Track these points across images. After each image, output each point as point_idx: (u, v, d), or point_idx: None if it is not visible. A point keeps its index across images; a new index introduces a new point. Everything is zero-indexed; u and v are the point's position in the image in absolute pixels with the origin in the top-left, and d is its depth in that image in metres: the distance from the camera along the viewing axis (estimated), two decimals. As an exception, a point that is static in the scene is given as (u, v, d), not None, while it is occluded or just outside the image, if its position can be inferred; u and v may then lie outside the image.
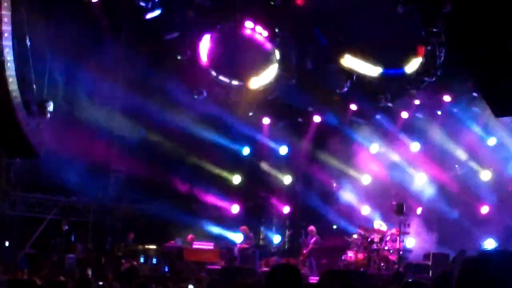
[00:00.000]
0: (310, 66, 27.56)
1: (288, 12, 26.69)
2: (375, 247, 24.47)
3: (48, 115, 23.46)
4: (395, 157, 28.36)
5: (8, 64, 20.42)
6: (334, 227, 28.72)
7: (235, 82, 28.03)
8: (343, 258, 25.00)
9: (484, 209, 27.10)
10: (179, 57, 27.14)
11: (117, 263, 24.56)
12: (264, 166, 30.28)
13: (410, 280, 9.30)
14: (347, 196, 28.67)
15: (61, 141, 24.83)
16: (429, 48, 25.38)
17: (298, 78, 28.05)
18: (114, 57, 26.81)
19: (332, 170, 29.23)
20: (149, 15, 25.16)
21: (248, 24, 27.16)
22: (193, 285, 19.53)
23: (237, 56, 27.51)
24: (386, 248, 24.43)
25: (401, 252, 23.96)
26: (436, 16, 24.29)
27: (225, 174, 29.79)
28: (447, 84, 26.63)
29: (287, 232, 30.82)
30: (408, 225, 24.38)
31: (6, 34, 20.28)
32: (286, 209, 30.45)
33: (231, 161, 29.96)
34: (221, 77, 27.85)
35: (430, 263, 24.08)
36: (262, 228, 31.21)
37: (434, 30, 24.74)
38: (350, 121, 29.07)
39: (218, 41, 27.50)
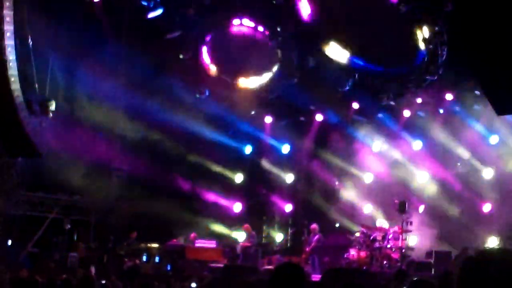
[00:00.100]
0: (311, 65, 27.57)
1: (290, 11, 26.68)
2: (377, 245, 24.48)
3: (50, 114, 23.47)
4: (397, 155, 28.36)
5: (10, 64, 20.43)
6: (337, 225, 28.72)
7: (237, 81, 28.04)
8: (345, 256, 25.00)
9: (486, 207, 27.10)
10: (181, 56, 27.16)
11: (120, 262, 24.60)
12: (266, 164, 30.29)
13: (415, 278, 9.30)
14: (349, 194, 28.68)
15: (63, 140, 24.84)
16: (431, 46, 25.38)
17: (300, 76, 28.06)
18: (116, 56, 26.80)
19: (334, 169, 29.24)
20: (151, 15, 25.18)
21: (250, 23, 27.17)
22: (195, 283, 19.56)
23: (239, 55, 27.52)
24: (389, 246, 24.44)
25: (403, 250, 23.96)
26: (438, 15, 24.29)
27: (227, 172, 29.82)
28: (449, 82, 26.62)
29: (290, 231, 30.82)
30: (411, 223, 24.38)
31: (8, 34, 20.29)
32: (289, 208, 30.45)
33: (233, 159, 29.99)
34: (223, 76, 27.86)
35: (432, 261, 24.08)
36: (264, 227, 31.22)
37: (436, 28, 24.75)
38: (352, 119, 29.09)
39: (220, 40, 27.51)
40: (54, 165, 24.41)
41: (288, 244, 30.60)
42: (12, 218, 25.47)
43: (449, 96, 27.33)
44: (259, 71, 27.99)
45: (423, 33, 25.19)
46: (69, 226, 25.28)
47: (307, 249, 25.77)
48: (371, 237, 24.68)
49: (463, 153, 27.55)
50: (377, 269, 23.76)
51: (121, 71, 27.35)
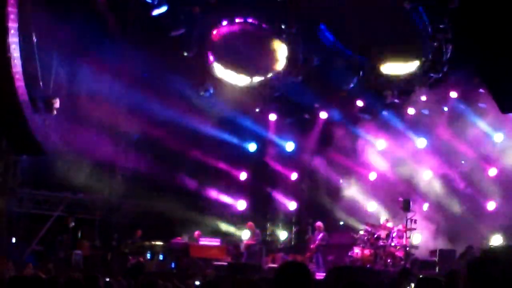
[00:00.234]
0: (316, 63, 27.55)
1: (295, 8, 26.65)
2: (381, 244, 24.47)
3: (55, 111, 23.47)
4: (401, 153, 28.30)
5: (15, 61, 20.41)
6: (341, 223, 28.71)
7: (241, 79, 28.02)
8: (349, 254, 24.99)
9: (491, 205, 27.06)
10: (185, 54, 27.14)
11: (124, 260, 24.60)
12: (270, 162, 30.27)
13: (421, 276, 9.29)
14: (354, 192, 28.63)
15: (68, 137, 24.86)
16: (435, 44, 25.34)
17: (305, 74, 28.03)
18: (120, 54, 26.79)
19: (339, 167, 29.21)
20: (156, 12, 25.16)
21: (254, 20, 27.15)
22: (199, 281, 19.54)
23: (243, 53, 27.49)
24: (393, 244, 24.42)
25: (407, 248, 23.93)
26: (443, 13, 24.26)
27: (231, 170, 29.81)
28: (453, 80, 26.58)
29: (294, 229, 30.81)
30: (415, 221, 24.34)
31: (12, 31, 20.27)
32: (293, 206, 30.44)
33: (238, 157, 29.98)
34: (228, 74, 27.83)
35: (436, 259, 24.07)
36: (268, 225, 31.21)
37: (441, 26, 24.71)
38: (357, 117, 29.04)
39: (224, 37, 27.49)
40: (59, 163, 24.44)
41: (292, 242, 30.60)
42: (17, 216, 25.51)
43: (453, 94, 27.28)
44: (263, 69, 27.96)
45: (427, 30, 25.16)
46: (73, 224, 25.27)
47: (311, 246, 25.76)
48: (375, 235, 24.66)
49: (468, 151, 27.50)
50: (381, 267, 23.75)
51: (125, 69, 27.33)
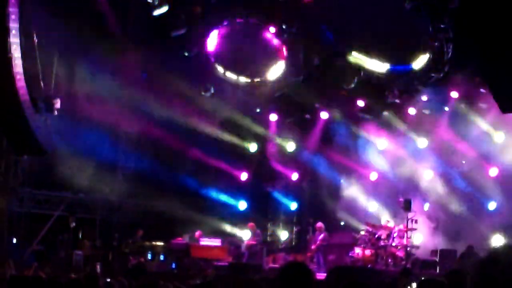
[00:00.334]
0: (317, 62, 27.53)
1: (295, 8, 26.63)
2: (382, 244, 24.50)
3: (56, 112, 23.46)
4: (402, 153, 28.32)
5: (16, 61, 20.40)
6: (342, 223, 28.72)
7: (242, 79, 28.01)
8: (350, 254, 25.03)
9: (492, 205, 27.07)
10: (186, 54, 27.14)
11: (125, 260, 24.61)
12: (271, 162, 30.28)
13: (423, 278, 9.27)
14: (354, 192, 28.65)
15: (69, 138, 24.86)
16: (436, 44, 25.32)
17: (305, 74, 28.02)
18: (121, 53, 26.79)
19: (339, 167, 29.22)
20: (156, 12, 25.14)
21: (255, 20, 27.13)
22: (200, 281, 19.54)
23: (244, 53, 27.47)
24: (394, 244, 24.45)
25: (408, 248, 23.95)
26: (444, 12, 24.23)
27: (232, 170, 29.81)
28: (454, 80, 26.56)
29: (295, 229, 30.82)
30: (416, 221, 24.39)
31: (13, 31, 20.25)
32: (294, 206, 30.45)
33: (238, 157, 29.99)
34: (228, 74, 27.83)
35: (437, 259, 24.09)
36: (269, 225, 31.22)
37: (442, 26, 24.69)
38: (357, 117, 29.02)
39: (225, 38, 27.47)
40: (59, 163, 24.44)
41: (293, 242, 30.60)
42: (17, 216, 25.52)
43: (454, 94, 27.26)
44: (264, 69, 27.95)
45: (428, 30, 25.13)
46: (74, 224, 25.26)
47: (312, 247, 25.76)
48: (376, 235, 24.69)
49: (468, 150, 27.49)
50: (382, 268, 23.78)
51: (125, 69, 27.33)
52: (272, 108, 29.74)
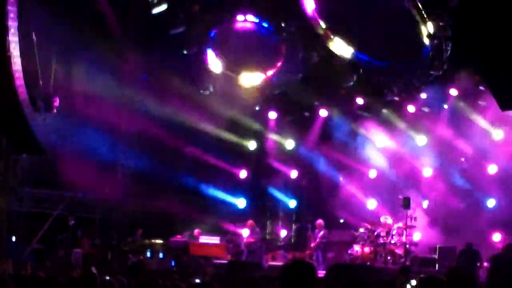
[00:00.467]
0: (316, 60, 27.52)
1: (294, 6, 26.62)
2: (381, 241, 24.51)
3: (55, 110, 23.48)
4: (401, 151, 28.32)
5: (14, 59, 20.42)
6: (341, 221, 28.72)
7: (241, 77, 28.00)
8: (349, 252, 25.04)
9: (491, 202, 27.07)
10: (185, 52, 27.13)
11: (124, 258, 24.61)
12: (271, 160, 30.28)
13: (422, 275, 9.28)
14: (354, 190, 28.64)
15: (68, 136, 24.87)
16: (435, 42, 25.32)
17: (304, 72, 28.01)
18: (120, 52, 26.78)
19: (338, 164, 29.22)
20: (155, 10, 25.14)
21: (254, 18, 27.13)
22: (199, 279, 19.55)
23: (243, 51, 27.47)
24: (393, 242, 24.46)
25: (407, 246, 23.96)
26: (443, 10, 24.23)
27: (231, 168, 29.81)
28: (453, 77, 26.57)
29: (294, 226, 30.79)
30: (415, 219, 24.42)
31: (12, 30, 20.28)
32: (293, 203, 30.45)
33: (238, 155, 29.99)
34: (227, 72, 27.82)
35: (436, 256, 24.12)
36: (268, 222, 31.20)
37: (441, 24, 24.69)
38: (357, 115, 29.01)
39: (224, 36, 27.47)
40: (59, 161, 24.44)
41: (292, 240, 30.57)
42: (17, 215, 25.52)
43: (453, 92, 27.26)
44: (263, 67, 27.95)
45: (427, 28, 25.13)
46: (73, 223, 25.29)
47: (312, 244, 25.76)
48: (375, 233, 24.71)
49: (467, 148, 27.50)
50: (381, 265, 23.79)
51: (124, 67, 27.32)
52: (271, 106, 29.72)
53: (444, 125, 27.65)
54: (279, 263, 24.90)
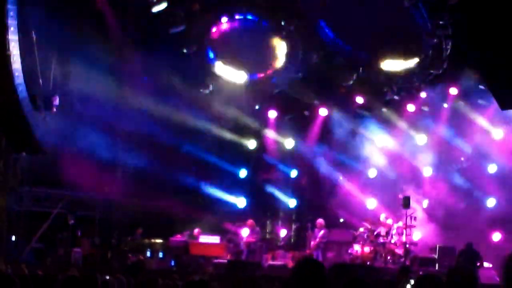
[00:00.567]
0: (316, 59, 27.51)
1: (293, 5, 26.60)
2: (381, 241, 24.50)
3: (55, 109, 23.46)
4: (401, 150, 28.33)
5: (14, 58, 20.39)
6: (341, 220, 28.72)
7: (241, 75, 27.99)
8: (349, 251, 25.01)
9: (491, 202, 27.07)
10: (185, 51, 27.11)
11: (124, 258, 24.60)
12: (270, 159, 30.29)
13: (421, 273, 9.28)
14: (353, 189, 28.64)
15: (67, 135, 24.84)
16: (435, 40, 25.30)
17: (304, 71, 28.00)
18: (120, 51, 26.76)
19: (338, 163, 29.22)
20: (155, 9, 25.11)
21: (254, 17, 27.10)
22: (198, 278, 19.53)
23: (243, 49, 27.45)
24: (393, 241, 24.44)
25: (407, 246, 23.95)
26: (442, 9, 24.20)
27: (231, 168, 29.81)
28: (453, 77, 26.57)
29: (294, 226, 30.80)
30: (415, 219, 24.40)
31: (12, 28, 20.25)
32: (293, 203, 30.44)
33: (237, 154, 29.99)
34: (228, 70, 27.80)
35: (436, 256, 24.11)
36: (268, 222, 31.20)
37: (441, 22, 24.66)
38: (356, 114, 29.01)
39: (224, 34, 27.45)
40: (59, 160, 24.42)
41: (292, 239, 30.59)
42: (16, 214, 25.49)
43: (453, 91, 27.27)
44: (263, 66, 27.93)
45: (427, 26, 25.11)
46: (73, 222, 25.27)
47: (312, 243, 25.74)
48: (375, 233, 24.69)
49: (467, 148, 27.51)
50: (381, 265, 23.78)
51: (124, 66, 27.29)
52: (271, 105, 29.73)
53: (444, 124, 27.69)
54: (279, 263, 24.89)
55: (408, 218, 23.98)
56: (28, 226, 26.04)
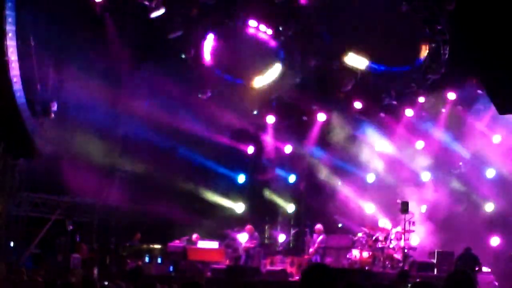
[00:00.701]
0: (314, 64, 27.53)
1: (292, 10, 26.62)
2: (380, 246, 24.48)
3: (52, 115, 23.47)
4: (399, 155, 28.32)
5: (13, 64, 20.42)
6: (339, 225, 28.72)
7: (239, 81, 28.01)
8: (348, 256, 24.98)
9: (489, 207, 27.08)
10: (183, 56, 27.13)
11: (122, 263, 24.58)
12: (269, 165, 30.30)
13: (418, 280, 9.29)
14: (352, 194, 28.63)
15: (65, 141, 24.83)
16: (433, 45, 25.33)
17: (303, 76, 28.02)
18: (118, 56, 26.76)
19: (337, 168, 29.21)
20: (153, 14, 25.13)
21: (252, 22, 27.12)
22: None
23: (241, 55, 27.46)
24: (391, 246, 24.42)
25: (406, 250, 23.93)
26: (440, 14, 24.24)
27: (229, 173, 29.82)
28: (451, 81, 26.59)
29: (292, 231, 30.78)
30: (413, 223, 24.38)
31: (10, 34, 20.28)
32: (291, 208, 30.43)
33: (236, 160, 30.00)
34: (225, 76, 27.82)
35: (435, 261, 24.08)
36: (267, 227, 31.19)
37: (438, 27, 24.70)
38: (355, 119, 29.01)
39: (222, 40, 27.47)
40: (57, 166, 24.40)
41: (291, 245, 30.57)
42: (15, 219, 25.46)
43: (451, 95, 27.29)
44: (261, 71, 27.95)
45: (425, 32, 25.14)
46: (71, 227, 25.24)
47: (311, 249, 25.72)
48: (374, 238, 24.67)
49: (466, 152, 27.52)
50: (379, 270, 23.76)
51: (123, 71, 27.29)
52: (269, 110, 29.74)
53: (442, 129, 27.68)
54: (278, 268, 24.87)
55: (407, 223, 23.96)
56: (26, 231, 26.00)
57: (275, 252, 28.73)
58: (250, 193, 30.33)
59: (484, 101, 25.10)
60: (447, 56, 25.23)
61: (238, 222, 28.37)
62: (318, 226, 25.97)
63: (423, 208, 27.30)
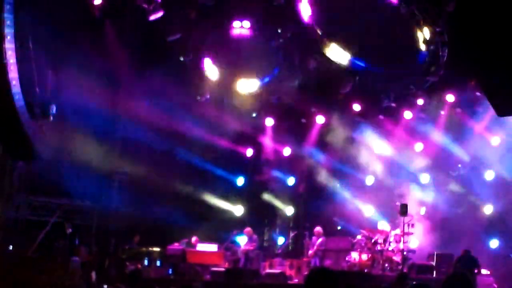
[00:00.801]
0: (312, 67, 27.52)
1: (291, 13, 26.61)
2: (379, 248, 24.45)
3: (51, 117, 23.44)
4: (398, 157, 28.32)
5: (11, 67, 20.38)
6: (338, 228, 28.71)
7: (238, 83, 28.01)
8: (347, 259, 24.97)
9: (488, 209, 27.07)
10: (181, 59, 27.13)
11: (122, 266, 24.54)
12: (268, 167, 30.29)
13: (414, 283, 9.27)
14: (351, 197, 28.62)
15: (64, 143, 24.81)
16: (432, 47, 25.33)
17: (301, 78, 28.01)
18: (117, 59, 26.75)
19: (335, 171, 29.21)
20: (152, 17, 25.13)
21: (251, 24, 27.11)
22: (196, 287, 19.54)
23: (239, 57, 27.46)
24: (390, 249, 24.40)
25: (405, 253, 23.92)
26: (439, 15, 24.24)
27: (228, 176, 29.81)
28: (450, 83, 26.59)
29: (291, 233, 30.76)
30: (412, 226, 24.38)
31: (8, 37, 20.24)
32: (290, 210, 30.42)
33: (235, 162, 29.98)
34: (224, 79, 27.81)
35: (434, 263, 24.07)
36: (266, 230, 31.18)
37: (437, 29, 24.70)
38: (354, 121, 29.00)
39: (221, 43, 27.47)
40: (56, 168, 24.38)
41: (290, 247, 30.55)
42: (14, 222, 25.44)
43: (450, 97, 27.29)
44: (260, 74, 27.95)
45: (424, 33, 25.12)
46: (70, 230, 25.20)
47: (310, 251, 25.70)
48: (373, 240, 24.65)
49: (464, 154, 27.52)
50: (378, 272, 23.74)
51: (122, 74, 27.28)
52: (268, 113, 29.74)
53: (441, 131, 27.68)
54: (277, 271, 24.84)
55: (406, 225, 23.95)
56: (25, 234, 25.97)
57: (274, 255, 28.73)
58: (249, 195, 30.33)
59: (483, 103, 25.08)
60: (445, 58, 25.23)
61: (237, 224, 28.36)
62: (317, 229, 25.97)
63: (422, 210, 27.30)
